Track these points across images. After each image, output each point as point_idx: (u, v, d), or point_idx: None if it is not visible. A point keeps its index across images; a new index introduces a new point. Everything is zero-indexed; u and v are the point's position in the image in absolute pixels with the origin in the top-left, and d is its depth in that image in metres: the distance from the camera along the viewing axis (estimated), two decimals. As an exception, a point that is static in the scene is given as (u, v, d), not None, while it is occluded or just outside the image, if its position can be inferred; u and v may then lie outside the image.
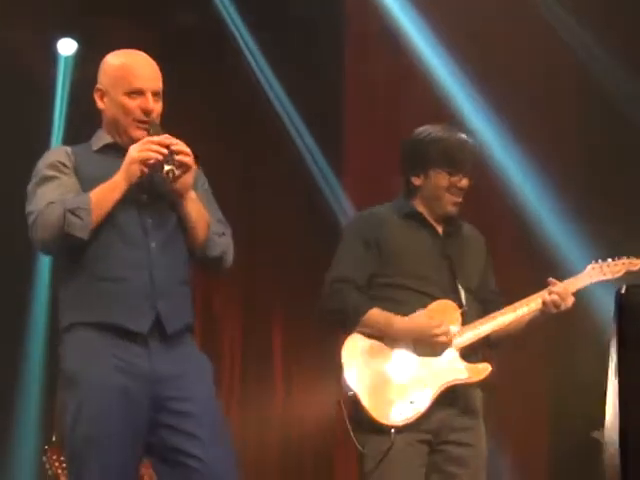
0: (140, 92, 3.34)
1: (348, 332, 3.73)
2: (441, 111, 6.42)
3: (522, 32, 6.37)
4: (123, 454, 3.17)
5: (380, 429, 3.59)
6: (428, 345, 3.67)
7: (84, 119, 7.81)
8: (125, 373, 3.20)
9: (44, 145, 7.84)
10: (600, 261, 4.00)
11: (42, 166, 3.36)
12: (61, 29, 7.74)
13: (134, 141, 3.35)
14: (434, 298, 3.77)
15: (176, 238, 3.37)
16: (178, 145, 3.31)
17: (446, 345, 3.68)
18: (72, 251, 3.25)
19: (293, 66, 7.22)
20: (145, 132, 3.35)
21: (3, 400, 7.33)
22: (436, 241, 3.87)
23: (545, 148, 6.32)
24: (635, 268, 4.02)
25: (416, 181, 3.86)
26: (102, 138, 3.44)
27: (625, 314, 2.32)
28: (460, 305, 3.79)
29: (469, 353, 3.78)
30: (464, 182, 3.84)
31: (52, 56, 7.82)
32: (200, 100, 7.30)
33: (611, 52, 6.19)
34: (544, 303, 3.83)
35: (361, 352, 3.69)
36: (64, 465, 6.58)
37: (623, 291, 2.33)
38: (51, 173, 3.31)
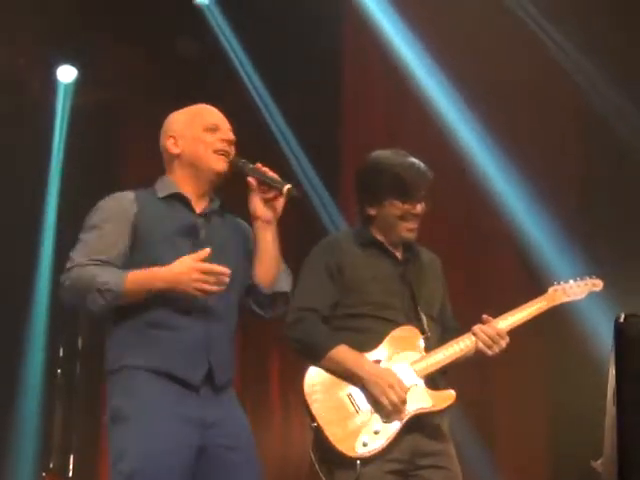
0: (216, 127, 3.44)
1: (312, 364, 3.68)
2: (439, 135, 6.43)
3: (523, 56, 6.37)
4: None
5: (346, 461, 3.51)
6: (376, 399, 3.60)
7: (82, 146, 7.92)
8: (176, 416, 3.20)
9: (44, 167, 7.90)
10: (562, 283, 3.91)
11: (98, 212, 3.37)
12: (59, 56, 7.80)
13: (216, 174, 3.42)
14: (398, 325, 3.70)
15: (232, 294, 3.39)
16: (273, 174, 3.40)
17: (388, 412, 3.57)
18: None
19: (292, 91, 7.25)
20: (226, 161, 3.41)
21: (0, 427, 7.32)
22: (396, 268, 3.80)
23: (541, 167, 6.31)
24: (597, 288, 3.94)
25: (371, 211, 3.83)
26: (168, 186, 3.44)
27: (624, 343, 2.31)
28: (423, 331, 3.73)
29: (434, 379, 3.70)
30: (418, 208, 3.79)
31: (52, 83, 7.88)
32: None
33: (610, 77, 6.19)
34: (477, 347, 3.75)
35: (324, 383, 3.61)
36: (61, 492, 6.60)
37: (622, 320, 2.32)
38: (99, 223, 3.32)
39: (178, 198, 3.42)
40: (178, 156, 3.44)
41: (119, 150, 8.37)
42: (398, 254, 3.85)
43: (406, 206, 3.76)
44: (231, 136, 3.45)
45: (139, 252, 3.31)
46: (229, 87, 7.55)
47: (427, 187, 3.80)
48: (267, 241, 3.42)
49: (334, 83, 7.19)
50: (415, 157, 3.86)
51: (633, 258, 5.83)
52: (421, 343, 3.71)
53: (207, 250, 3.20)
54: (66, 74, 7.88)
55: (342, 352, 3.62)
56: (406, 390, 3.59)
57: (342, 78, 7.24)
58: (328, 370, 3.62)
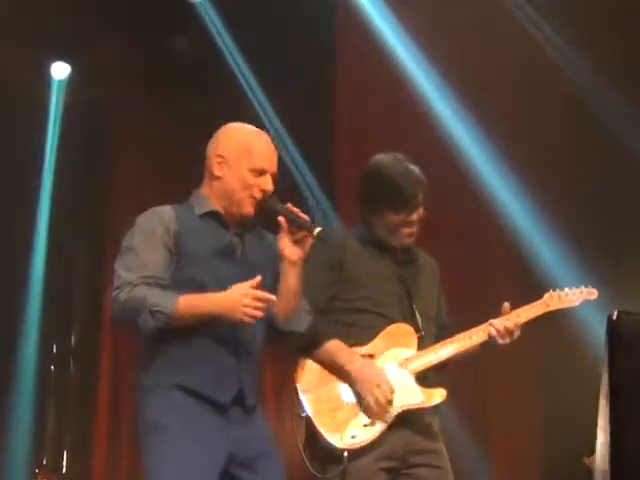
0: (262, 172, 3.42)
1: (306, 356, 3.71)
2: (433, 133, 6.43)
3: (515, 52, 6.37)
4: None
5: (334, 453, 3.53)
6: (363, 397, 3.60)
7: (76, 142, 7.92)
8: (206, 427, 3.25)
9: (38, 164, 7.89)
10: (558, 290, 3.96)
11: (141, 227, 3.37)
12: (53, 53, 7.80)
13: (244, 215, 3.42)
14: (394, 321, 3.75)
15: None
16: (303, 215, 3.40)
17: (373, 411, 3.58)
18: None
19: (286, 90, 7.25)
20: (254, 206, 3.41)
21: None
22: (395, 269, 3.85)
23: (535, 169, 6.30)
24: (592, 297, 3.98)
25: (370, 217, 3.86)
26: (205, 204, 3.45)
27: (616, 340, 2.32)
28: (417, 330, 3.77)
29: (425, 377, 3.73)
30: (415, 217, 3.83)
31: (45, 79, 7.88)
32: (190, 124, 7.33)
33: (600, 71, 6.19)
34: (489, 335, 3.75)
35: (316, 373, 3.63)
36: (55, 489, 6.60)
37: (614, 317, 2.33)
38: (146, 238, 3.33)
39: (214, 216, 3.43)
40: (218, 179, 3.44)
41: (112, 146, 8.37)
42: (397, 255, 3.88)
43: (403, 216, 3.79)
44: (270, 186, 3.42)
45: (177, 270, 3.32)
46: (223, 85, 7.55)
47: (423, 193, 3.82)
48: (290, 281, 3.41)
49: (328, 80, 7.19)
50: (409, 155, 3.88)
51: (625, 256, 5.85)
52: (415, 341, 3.74)
53: (258, 278, 3.21)
54: (60, 71, 7.89)
55: (335, 346, 3.63)
56: (393, 391, 3.61)
57: (336, 75, 7.24)
58: (320, 362, 3.65)
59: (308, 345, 3.63)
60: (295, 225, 3.38)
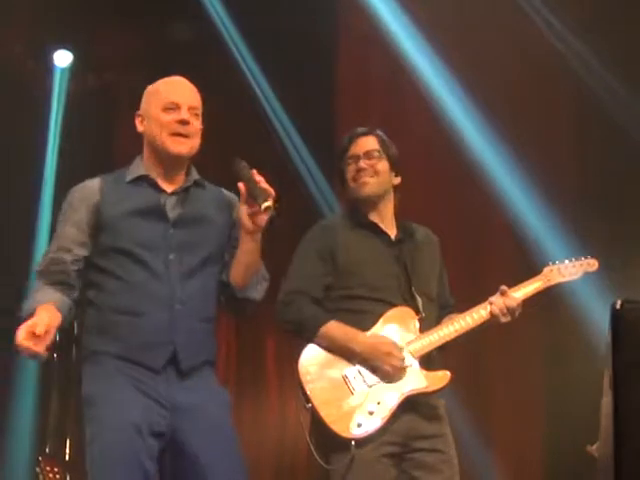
0: (176, 106, 3.38)
1: (307, 342, 3.69)
2: (435, 121, 6.42)
3: (520, 43, 6.38)
4: (139, 471, 3.17)
5: (340, 442, 3.52)
6: (377, 368, 3.63)
7: (79, 130, 7.91)
8: (145, 395, 3.23)
9: (40, 155, 7.88)
10: (557, 262, 3.92)
11: (65, 203, 3.46)
12: (55, 40, 7.79)
13: (172, 156, 3.38)
14: (393, 306, 3.73)
15: (203, 274, 3.38)
16: (264, 184, 3.32)
17: (392, 376, 3.62)
18: (97, 283, 3.34)
19: (287, 75, 7.25)
20: (184, 143, 3.36)
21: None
22: (391, 249, 3.83)
23: (538, 152, 6.32)
24: (592, 269, 3.93)
25: (348, 194, 3.89)
26: (137, 168, 3.45)
27: (620, 329, 2.32)
28: (418, 312, 3.75)
29: (429, 360, 3.72)
30: (362, 164, 3.80)
31: (48, 67, 7.88)
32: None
33: (609, 65, 6.19)
34: (492, 313, 3.74)
35: (319, 363, 3.62)
36: (58, 476, 6.59)
37: (618, 306, 2.32)
38: (65, 214, 3.42)
39: (145, 180, 3.40)
40: (143, 135, 3.45)
41: (115, 135, 8.36)
42: (392, 234, 3.85)
43: (352, 167, 3.82)
44: (186, 116, 3.36)
45: (105, 236, 3.33)
46: (226, 71, 7.54)
47: (368, 140, 3.85)
48: (246, 249, 3.38)
49: (330, 68, 7.19)
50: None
51: (629, 244, 5.85)
52: (416, 324, 3.72)
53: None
54: (62, 59, 7.88)
55: (334, 328, 3.65)
56: (402, 350, 3.63)
57: (338, 62, 7.24)
58: (322, 347, 3.65)
59: (308, 330, 3.64)
60: (249, 194, 3.29)
